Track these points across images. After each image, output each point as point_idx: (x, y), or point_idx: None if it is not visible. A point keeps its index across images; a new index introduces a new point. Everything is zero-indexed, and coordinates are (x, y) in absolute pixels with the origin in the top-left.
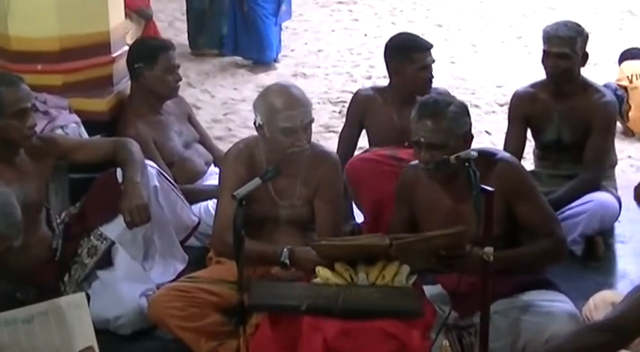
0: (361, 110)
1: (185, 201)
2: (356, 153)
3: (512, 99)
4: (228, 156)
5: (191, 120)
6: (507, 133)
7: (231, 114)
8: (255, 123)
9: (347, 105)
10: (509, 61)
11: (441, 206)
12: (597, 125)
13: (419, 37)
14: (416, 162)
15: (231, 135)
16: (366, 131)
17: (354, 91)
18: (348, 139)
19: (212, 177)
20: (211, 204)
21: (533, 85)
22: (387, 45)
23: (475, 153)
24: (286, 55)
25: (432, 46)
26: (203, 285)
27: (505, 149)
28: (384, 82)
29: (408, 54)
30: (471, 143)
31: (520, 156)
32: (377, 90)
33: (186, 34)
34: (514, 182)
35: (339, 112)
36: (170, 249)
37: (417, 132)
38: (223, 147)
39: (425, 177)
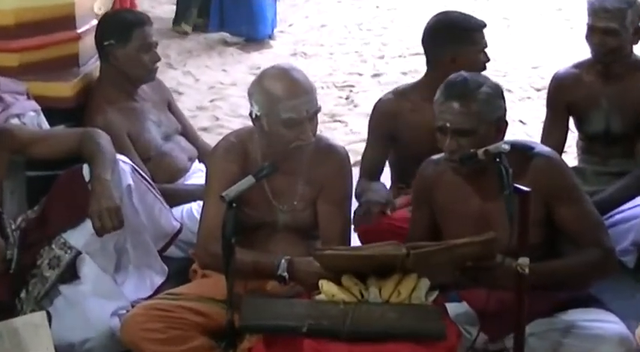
0: (389, 124)
1: (164, 203)
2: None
3: (551, 83)
4: (217, 151)
5: (171, 107)
6: (545, 123)
7: (218, 100)
8: (251, 114)
9: (355, 90)
10: (547, 38)
11: (467, 208)
12: None
13: (468, 14)
14: (437, 156)
15: (219, 126)
16: (396, 144)
17: (378, 100)
18: (374, 160)
19: (197, 175)
20: (196, 206)
21: (577, 66)
22: (434, 27)
23: (507, 147)
24: (283, 30)
25: (486, 24)
26: (186, 303)
27: (543, 141)
28: (398, 64)
29: (469, 35)
30: (504, 132)
31: (561, 150)
32: (400, 93)
33: (167, 6)
34: (554, 180)
35: (346, 98)
36: (147, 260)
37: (442, 115)
38: (210, 139)
39: (448, 174)
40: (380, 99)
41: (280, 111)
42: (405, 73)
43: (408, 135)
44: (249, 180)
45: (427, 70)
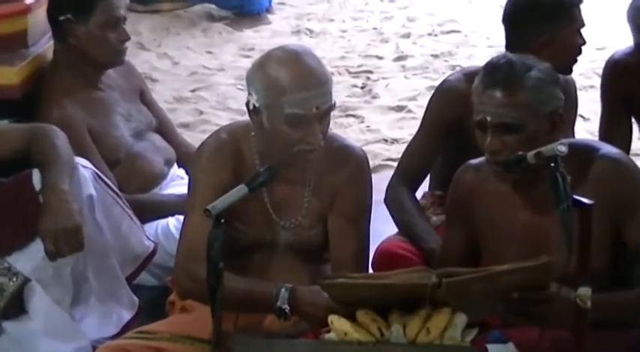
0: (456, 111)
1: (135, 219)
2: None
3: (605, 69)
4: (202, 152)
5: (144, 98)
6: (602, 118)
7: (203, 89)
8: (247, 105)
9: (373, 77)
10: (615, 13)
11: (514, 225)
12: None
13: None
14: (478, 159)
15: (203, 121)
16: (456, 139)
17: (442, 81)
18: (422, 160)
19: (176, 183)
20: (174, 222)
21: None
22: (520, 3)
23: (565, 148)
24: (284, 2)
25: None
26: (161, 343)
27: (603, 139)
28: (427, 45)
29: (566, 11)
30: (559, 128)
31: (627, 151)
32: (475, 74)
33: None
34: (622, 190)
35: (362, 87)
36: (112, 290)
37: (482, 107)
38: (192, 138)
39: (490, 182)
40: (448, 80)
41: (284, 104)
42: (435, 56)
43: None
44: (241, 189)
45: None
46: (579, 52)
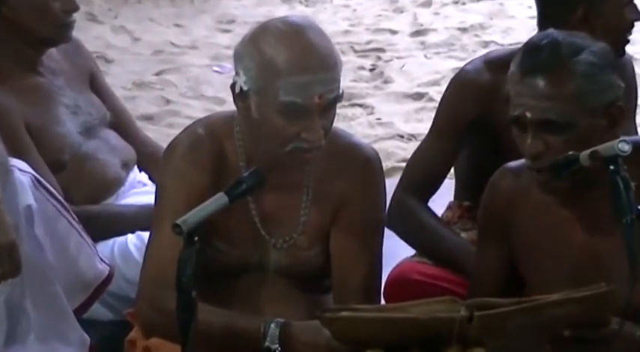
0: (478, 106)
1: (86, 236)
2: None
3: None
4: (172, 152)
5: (96, 85)
6: None
7: (169, 72)
8: (233, 88)
9: (385, 56)
10: None
11: (564, 243)
12: None
13: None
14: (517, 162)
15: (172, 112)
16: (479, 137)
17: (459, 69)
18: (435, 163)
19: (136, 191)
20: (134, 240)
21: None
22: None
23: (628, 147)
24: None
25: None
26: None
27: None
28: (453, 16)
29: None
30: (619, 123)
31: None
32: (496, 64)
33: None
34: None
35: (372, 70)
36: (56, 325)
37: (520, 100)
38: (157, 134)
39: (534, 190)
40: (465, 70)
41: (279, 89)
42: (463, 29)
43: (504, 126)
44: (220, 198)
45: (539, 30)
46: (629, 30)
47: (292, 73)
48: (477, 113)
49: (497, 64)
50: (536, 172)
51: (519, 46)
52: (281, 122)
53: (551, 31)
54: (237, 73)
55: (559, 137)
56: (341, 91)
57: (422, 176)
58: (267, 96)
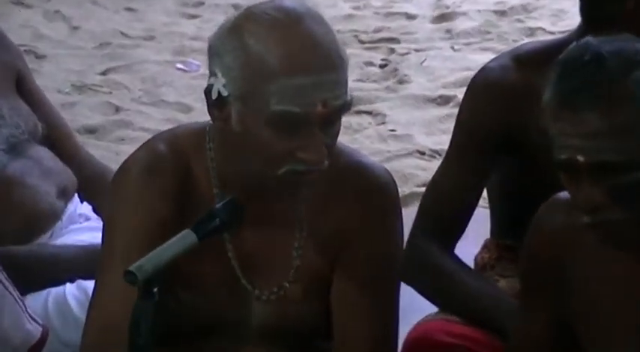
0: (506, 116)
1: (11, 286)
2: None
3: None
4: (125, 174)
5: (25, 88)
6: None
7: (120, 70)
8: (208, 93)
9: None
10: None
11: (635, 300)
12: None
13: None
14: (565, 194)
15: (122, 123)
16: (514, 157)
17: (478, 70)
18: (459, 189)
19: (76, 227)
20: (74, 291)
21: None
22: None
23: None
24: None
25: None
26: None
27: None
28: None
29: None
30: None
31: None
32: (529, 61)
33: None
34: None
35: (382, 66)
36: None
37: (564, 140)
38: (104, 151)
39: (590, 237)
40: (488, 68)
41: (271, 96)
42: (501, 13)
43: (544, 141)
44: (186, 237)
45: (583, 23)
46: None
47: (288, 74)
48: (506, 124)
49: (529, 60)
50: (593, 229)
51: (562, 37)
52: (271, 137)
53: (589, 40)
54: (212, 74)
55: (622, 181)
56: (349, 97)
57: (442, 213)
58: (253, 103)
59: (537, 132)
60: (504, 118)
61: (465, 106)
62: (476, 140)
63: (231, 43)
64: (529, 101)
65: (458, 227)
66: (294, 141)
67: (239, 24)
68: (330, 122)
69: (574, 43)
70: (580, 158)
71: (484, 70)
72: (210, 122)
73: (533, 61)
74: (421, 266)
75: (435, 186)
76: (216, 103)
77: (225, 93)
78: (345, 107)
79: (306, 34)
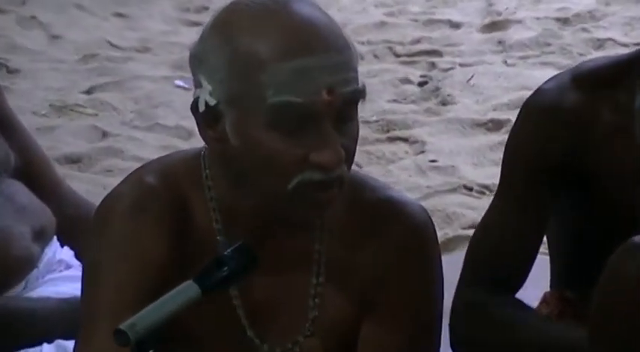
0: (563, 146)
1: None
2: None
3: None
4: (110, 211)
5: None
6: None
7: (108, 88)
8: (194, 107)
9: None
10: None
11: None
12: None
13: None
14: None
15: (112, 151)
16: (581, 197)
17: (532, 95)
18: (511, 230)
19: (55, 277)
20: None
21: None
22: None
23: None
24: None
25: None
26: None
27: None
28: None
29: None
30: None
31: None
32: (595, 82)
33: None
34: None
35: (422, 84)
36: None
37: None
38: (90, 186)
39: None
40: (543, 90)
41: (266, 87)
42: (564, 21)
43: (618, 179)
44: (187, 289)
45: None
46: None
47: (283, 58)
48: (566, 155)
49: (594, 81)
50: None
51: (632, 52)
52: (275, 142)
53: None
54: (197, 85)
55: None
56: (362, 85)
57: (498, 263)
58: (248, 103)
59: (607, 164)
60: (565, 148)
61: (517, 134)
62: (532, 173)
63: (213, 42)
64: (593, 129)
65: (517, 279)
66: (304, 143)
67: (220, 20)
68: (344, 116)
69: None
70: None
71: (539, 92)
72: (206, 146)
73: (598, 82)
74: (479, 323)
75: (486, 230)
76: (205, 118)
77: (213, 102)
78: (357, 95)
79: (299, 15)
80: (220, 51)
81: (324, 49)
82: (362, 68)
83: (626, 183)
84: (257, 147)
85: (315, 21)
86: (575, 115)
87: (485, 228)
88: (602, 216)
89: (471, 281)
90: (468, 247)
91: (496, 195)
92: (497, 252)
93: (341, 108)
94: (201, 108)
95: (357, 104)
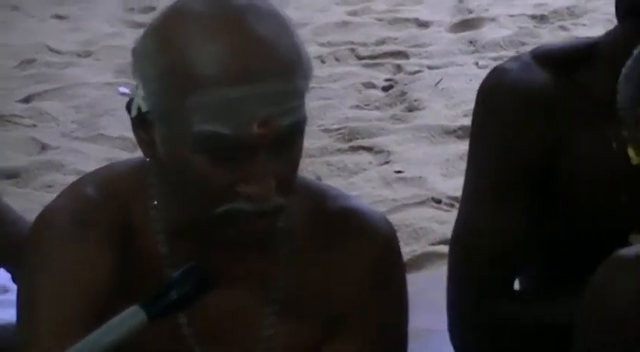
0: (541, 129)
1: None
2: None
3: None
4: (47, 227)
5: None
6: None
7: (47, 96)
8: (129, 108)
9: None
10: None
11: None
12: None
13: None
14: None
15: (51, 165)
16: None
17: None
18: (506, 228)
19: None
20: None
21: None
22: None
23: None
24: None
25: None
26: None
27: None
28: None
29: None
30: None
31: None
32: (557, 61)
33: None
34: None
35: (387, 89)
36: None
37: None
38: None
39: None
40: (505, 69)
41: (192, 112)
42: (540, 18)
43: (587, 173)
44: (133, 316)
45: (621, 21)
46: None
47: (215, 83)
48: (542, 144)
49: (555, 60)
50: None
51: (594, 37)
52: (204, 165)
53: None
54: (135, 87)
55: None
56: (303, 115)
57: (500, 267)
58: (175, 123)
59: (581, 165)
60: (541, 136)
61: (484, 121)
62: (513, 163)
63: (151, 46)
64: (564, 115)
65: (512, 276)
66: (233, 172)
67: (162, 21)
68: (282, 145)
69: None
70: None
71: (501, 72)
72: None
73: (560, 62)
74: (498, 319)
75: (479, 238)
76: (138, 122)
77: (145, 108)
78: (296, 128)
79: (243, 32)
80: (157, 59)
81: (263, 77)
82: (322, 72)
83: (603, 188)
84: (184, 167)
85: (261, 42)
86: (546, 96)
87: (476, 234)
88: (577, 225)
89: (466, 284)
90: (458, 261)
91: (473, 195)
92: (497, 261)
93: (279, 139)
94: (134, 112)
95: (299, 134)
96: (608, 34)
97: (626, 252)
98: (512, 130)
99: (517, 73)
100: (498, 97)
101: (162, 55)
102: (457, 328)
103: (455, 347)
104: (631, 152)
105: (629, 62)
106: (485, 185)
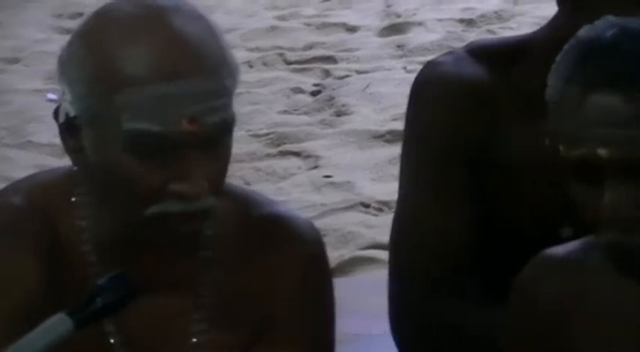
0: (476, 120)
1: None
2: None
3: None
4: None
5: None
6: None
7: None
8: (56, 115)
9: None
10: None
11: None
12: None
13: None
14: (565, 248)
15: None
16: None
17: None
18: (452, 221)
19: None
20: None
21: None
22: None
23: None
24: None
25: None
26: None
27: None
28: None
29: None
30: None
31: None
32: (490, 54)
33: None
34: None
35: (315, 93)
36: None
37: (585, 131)
38: None
39: (603, 280)
40: (438, 62)
41: (121, 111)
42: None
43: (519, 161)
44: (59, 323)
45: (561, 9)
46: None
47: (143, 81)
48: (479, 131)
49: (489, 55)
50: (610, 251)
51: (527, 34)
52: (132, 164)
53: (611, 19)
54: (62, 92)
55: None
56: (231, 113)
57: (454, 263)
58: (105, 124)
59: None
60: (476, 127)
61: (422, 113)
62: (453, 153)
63: (78, 51)
64: (499, 105)
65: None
66: (163, 170)
67: (88, 25)
68: (210, 144)
69: (587, 26)
70: (603, 152)
71: (435, 65)
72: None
73: (493, 55)
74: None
75: (422, 236)
76: (66, 129)
77: (72, 113)
78: (225, 125)
79: (169, 30)
80: (84, 62)
81: (191, 74)
82: (251, 77)
83: (535, 183)
84: (113, 169)
85: (187, 40)
86: (480, 89)
87: (419, 234)
88: (510, 222)
89: (430, 291)
90: (401, 257)
91: (415, 187)
92: (445, 253)
93: (207, 137)
94: (61, 118)
95: (228, 132)
96: (542, 29)
97: (551, 252)
98: (447, 119)
99: (451, 65)
100: (432, 89)
101: (88, 58)
102: (401, 318)
103: (395, 341)
104: (562, 146)
105: (558, 57)
106: (425, 177)
